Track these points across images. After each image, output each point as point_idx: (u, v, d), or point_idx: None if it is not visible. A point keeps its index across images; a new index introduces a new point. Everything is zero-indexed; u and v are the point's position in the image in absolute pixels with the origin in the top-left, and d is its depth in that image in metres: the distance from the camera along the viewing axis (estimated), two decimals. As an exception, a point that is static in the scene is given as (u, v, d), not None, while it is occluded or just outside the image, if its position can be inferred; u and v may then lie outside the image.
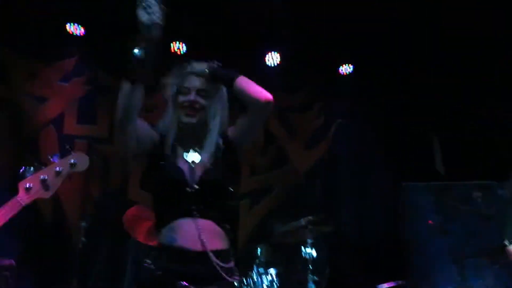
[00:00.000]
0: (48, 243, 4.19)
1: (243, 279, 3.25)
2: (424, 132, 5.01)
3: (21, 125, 4.45)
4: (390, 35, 4.57)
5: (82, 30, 4.45)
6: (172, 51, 4.69)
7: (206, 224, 1.73)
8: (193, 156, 1.82)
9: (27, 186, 1.78)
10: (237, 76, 1.83)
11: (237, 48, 4.64)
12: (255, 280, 3.25)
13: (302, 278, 3.40)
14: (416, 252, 4.16)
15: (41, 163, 1.83)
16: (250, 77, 1.85)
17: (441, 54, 4.65)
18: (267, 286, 3.25)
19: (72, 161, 1.85)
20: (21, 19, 4.23)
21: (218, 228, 1.76)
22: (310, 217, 3.47)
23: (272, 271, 3.31)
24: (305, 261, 3.40)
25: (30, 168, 1.74)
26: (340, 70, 5.18)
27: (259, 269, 3.30)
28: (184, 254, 1.69)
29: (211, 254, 1.68)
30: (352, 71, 5.16)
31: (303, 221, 3.44)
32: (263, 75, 4.92)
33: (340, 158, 5.11)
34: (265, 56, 4.94)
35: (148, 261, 1.72)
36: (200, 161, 1.81)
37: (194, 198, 1.74)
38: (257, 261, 3.36)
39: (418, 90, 4.91)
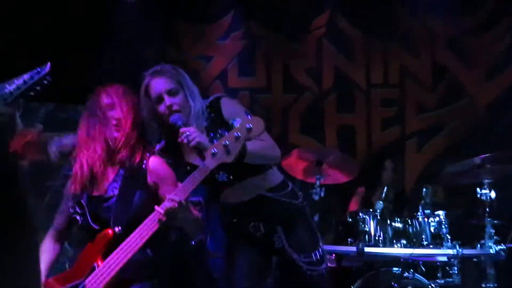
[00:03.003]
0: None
1: (408, 220, 3.19)
2: None
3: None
4: None
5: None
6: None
7: None
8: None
9: (213, 151, 1.93)
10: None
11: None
12: (421, 221, 3.15)
13: (479, 222, 3.17)
14: None
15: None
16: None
17: None
18: (434, 227, 3.13)
19: (248, 125, 1.94)
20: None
21: None
22: (487, 155, 3.15)
23: (440, 213, 3.16)
24: (482, 203, 3.14)
25: (212, 135, 1.97)
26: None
27: (425, 211, 3.19)
28: None
29: None
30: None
31: (477, 160, 3.17)
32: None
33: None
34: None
35: None
36: None
37: None
38: (422, 202, 3.24)
39: None
